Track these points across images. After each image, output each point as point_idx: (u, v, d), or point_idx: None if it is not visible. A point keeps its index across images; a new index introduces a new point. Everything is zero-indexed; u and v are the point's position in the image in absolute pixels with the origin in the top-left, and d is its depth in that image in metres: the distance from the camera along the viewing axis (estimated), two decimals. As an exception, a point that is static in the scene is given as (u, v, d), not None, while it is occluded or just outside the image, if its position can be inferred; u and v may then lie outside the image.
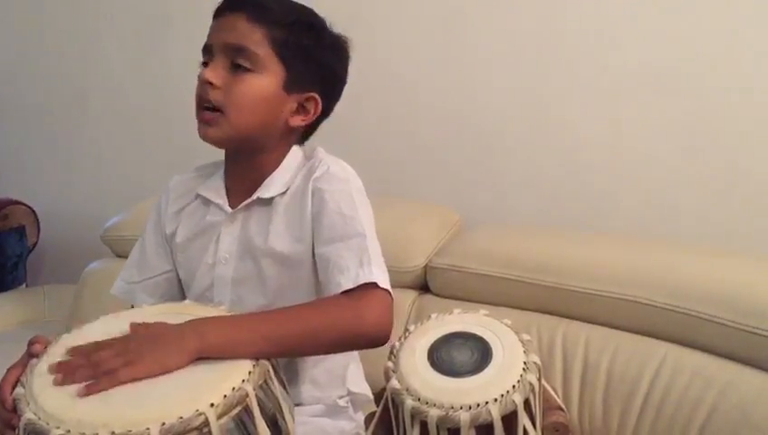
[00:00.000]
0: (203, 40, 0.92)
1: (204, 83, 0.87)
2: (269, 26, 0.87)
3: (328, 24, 0.94)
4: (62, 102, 2.16)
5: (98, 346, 0.71)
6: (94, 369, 0.67)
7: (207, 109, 0.88)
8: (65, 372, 0.67)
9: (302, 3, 0.94)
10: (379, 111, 1.68)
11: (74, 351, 0.71)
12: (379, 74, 1.65)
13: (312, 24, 0.91)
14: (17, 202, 2.07)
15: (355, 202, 0.89)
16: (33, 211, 2.10)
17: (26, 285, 2.12)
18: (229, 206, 0.95)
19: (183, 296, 1.00)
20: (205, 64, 0.89)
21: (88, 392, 0.65)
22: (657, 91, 1.41)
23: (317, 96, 0.93)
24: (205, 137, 0.90)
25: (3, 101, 2.26)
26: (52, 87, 2.17)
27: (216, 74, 0.86)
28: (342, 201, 0.89)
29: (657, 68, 1.40)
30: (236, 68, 0.87)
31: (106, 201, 2.05)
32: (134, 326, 0.75)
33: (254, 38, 0.86)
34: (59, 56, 2.13)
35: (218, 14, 0.90)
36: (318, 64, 0.91)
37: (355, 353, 1.05)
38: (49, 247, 2.20)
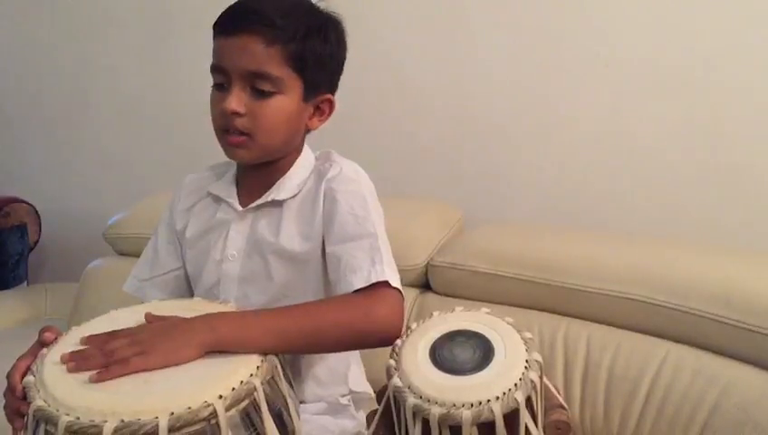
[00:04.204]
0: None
1: (230, 114, 0.86)
2: (285, 45, 0.85)
3: (323, 11, 0.92)
4: (64, 100, 2.16)
5: (112, 335, 0.72)
6: (107, 358, 0.68)
7: (234, 133, 0.88)
8: (78, 360, 0.68)
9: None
10: (380, 109, 1.68)
11: (89, 339, 0.72)
12: (380, 72, 1.66)
13: (320, 27, 0.90)
14: (19, 200, 2.07)
15: (367, 203, 0.90)
16: (35, 209, 2.10)
17: (28, 284, 2.12)
18: (240, 204, 0.96)
19: (192, 293, 1.01)
20: (219, 86, 0.88)
21: (99, 379, 0.66)
22: (659, 90, 1.41)
23: (330, 96, 0.94)
24: (234, 158, 0.93)
25: (4, 99, 2.26)
26: (54, 85, 2.17)
27: (239, 102, 0.86)
28: (355, 202, 0.90)
29: (659, 67, 1.40)
30: (259, 92, 0.86)
31: (107, 199, 2.05)
32: (149, 317, 0.76)
33: (274, 61, 0.85)
34: (60, 54, 2.14)
35: (227, 32, 0.87)
36: (330, 66, 0.92)
37: (356, 354, 1.05)
38: (50, 246, 2.21)
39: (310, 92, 0.90)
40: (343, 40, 0.94)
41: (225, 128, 0.88)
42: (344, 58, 0.95)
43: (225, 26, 0.87)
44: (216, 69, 0.88)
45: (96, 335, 0.72)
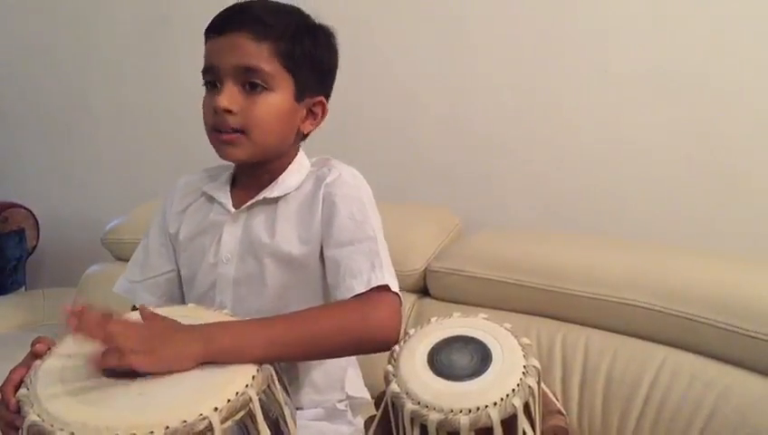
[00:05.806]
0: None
1: (221, 112, 0.86)
2: (275, 42, 0.86)
3: (315, 20, 0.93)
4: (62, 105, 2.17)
5: (115, 320, 0.70)
6: (107, 338, 0.67)
7: (226, 131, 0.87)
8: (80, 322, 0.67)
9: (295, 4, 0.93)
10: (378, 115, 1.69)
11: (90, 311, 0.69)
12: (379, 78, 1.66)
13: (309, 29, 0.91)
14: (17, 205, 2.07)
15: (366, 208, 0.90)
16: (33, 214, 2.10)
17: (26, 289, 2.12)
18: (233, 206, 0.96)
19: (183, 296, 1.00)
20: (210, 85, 0.89)
21: (93, 361, 0.67)
22: (658, 96, 1.41)
23: (323, 99, 0.94)
24: (228, 157, 0.91)
25: (3, 103, 2.27)
26: (52, 90, 2.17)
27: (231, 100, 0.86)
28: (354, 206, 0.90)
29: (658, 72, 1.40)
30: (250, 88, 0.86)
31: (105, 204, 2.06)
32: (148, 315, 0.74)
33: (264, 56, 0.86)
34: (59, 59, 2.14)
35: (217, 32, 0.88)
36: (320, 68, 0.93)
37: (353, 359, 1.05)
38: (48, 250, 2.20)
39: (302, 93, 0.91)
40: (334, 48, 0.95)
41: (218, 127, 0.88)
42: (335, 65, 0.96)
43: (216, 28, 0.89)
44: (206, 70, 0.89)
45: (99, 313, 0.69)
